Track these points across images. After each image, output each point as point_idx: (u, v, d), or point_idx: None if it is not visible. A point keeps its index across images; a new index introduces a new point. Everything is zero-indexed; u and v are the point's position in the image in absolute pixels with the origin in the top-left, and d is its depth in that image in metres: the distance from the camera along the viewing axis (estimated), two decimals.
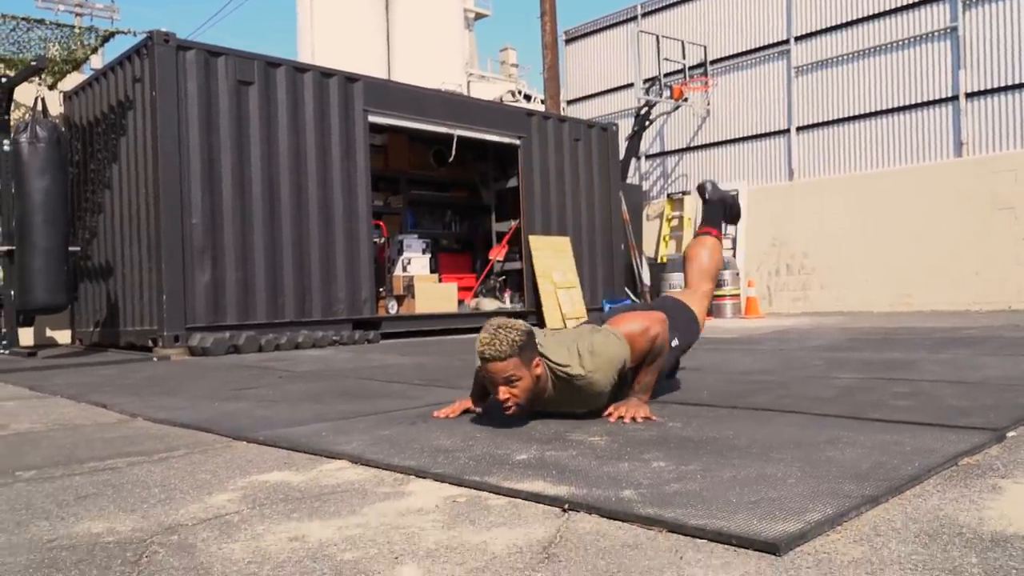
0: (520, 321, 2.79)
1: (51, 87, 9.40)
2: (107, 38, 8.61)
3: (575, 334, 2.95)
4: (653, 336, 2.93)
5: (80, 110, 9.36)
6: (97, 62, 16.84)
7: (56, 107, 9.62)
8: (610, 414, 2.91)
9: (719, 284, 12.50)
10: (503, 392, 2.68)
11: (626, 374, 2.95)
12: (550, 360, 2.81)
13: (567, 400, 2.90)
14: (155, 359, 7.21)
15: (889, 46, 12.30)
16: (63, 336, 10.00)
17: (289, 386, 4.67)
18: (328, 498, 1.99)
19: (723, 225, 4.03)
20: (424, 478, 2.16)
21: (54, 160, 7.54)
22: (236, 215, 8.02)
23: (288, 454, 2.59)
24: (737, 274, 12.80)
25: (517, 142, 11.14)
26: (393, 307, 10.23)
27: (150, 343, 7.76)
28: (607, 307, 12.22)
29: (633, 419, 2.84)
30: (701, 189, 4.05)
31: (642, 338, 2.91)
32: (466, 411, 3.15)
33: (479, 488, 2.01)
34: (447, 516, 1.78)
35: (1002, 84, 11.15)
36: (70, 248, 7.80)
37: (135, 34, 8.11)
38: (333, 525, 1.74)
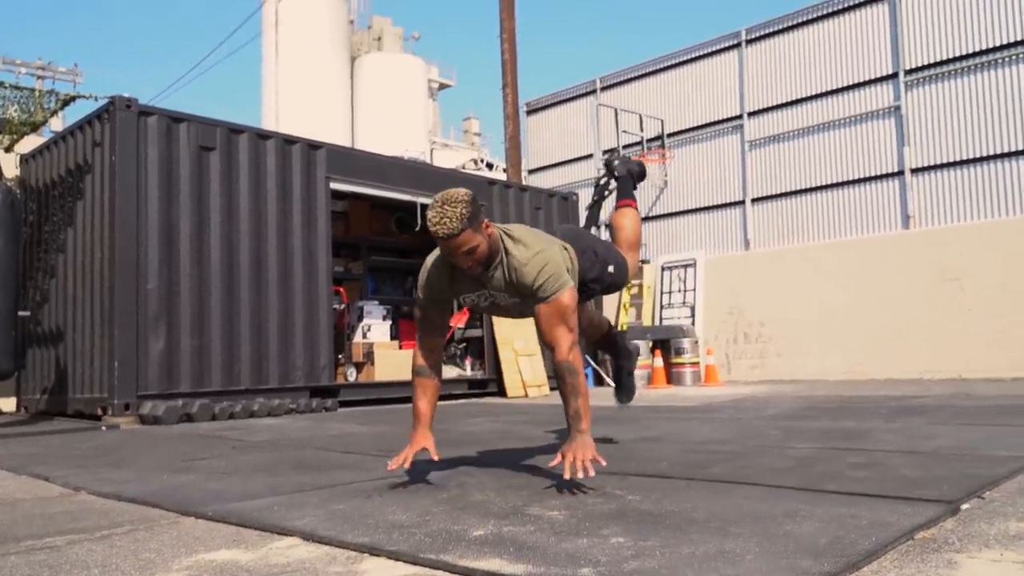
0: (462, 189, 2.87)
1: (7, 149, 9.30)
2: (67, 102, 8.59)
3: (538, 239, 3.10)
4: (574, 338, 3.02)
5: (37, 173, 9.26)
6: (57, 125, 16.77)
7: (12, 169, 9.50)
8: (559, 462, 2.84)
9: (679, 352, 12.63)
10: (463, 260, 2.86)
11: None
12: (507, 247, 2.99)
13: (506, 286, 3.02)
14: (104, 428, 6.98)
15: (837, 123, 12.81)
16: (8, 404, 9.66)
17: (242, 457, 4.54)
18: None
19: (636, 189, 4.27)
20: (378, 556, 2.10)
21: (7, 223, 7.40)
22: (193, 281, 7.92)
23: (237, 530, 2.51)
24: (696, 342, 12.93)
25: None
26: (352, 374, 10.10)
27: (99, 411, 7.52)
28: None
29: (583, 466, 2.77)
30: (609, 166, 4.31)
31: (564, 330, 2.99)
32: (417, 453, 3.12)
33: (434, 567, 1.96)
34: None
35: (945, 161, 11.64)
36: (19, 313, 7.60)
37: (96, 99, 8.09)
38: None
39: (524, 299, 3.07)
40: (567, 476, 2.78)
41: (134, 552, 2.25)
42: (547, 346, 3.05)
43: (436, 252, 3.12)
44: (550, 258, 2.98)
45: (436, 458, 3.10)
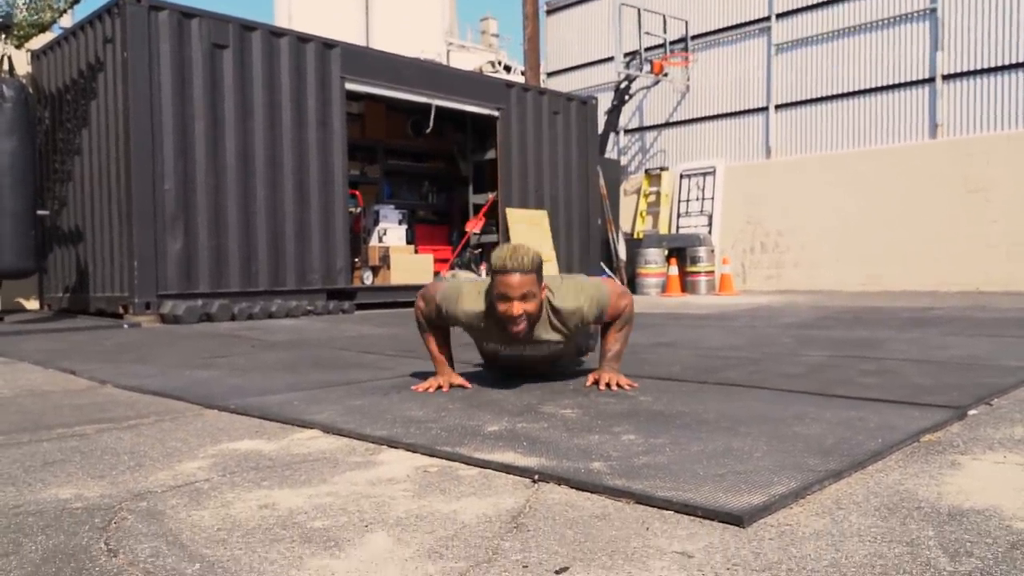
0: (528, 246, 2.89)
1: (18, 46, 9.15)
2: (76, 1, 8.37)
3: (561, 278, 3.10)
4: (629, 300, 3.13)
5: (49, 71, 9.14)
6: (67, 21, 16.43)
7: (23, 66, 9.38)
8: (595, 381, 3.07)
9: (695, 260, 12.61)
10: (518, 307, 2.75)
11: (590, 328, 3.18)
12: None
13: (543, 332, 2.99)
14: (126, 326, 7.13)
15: (868, 26, 12.33)
16: (31, 302, 9.85)
17: (262, 355, 4.64)
18: (299, 467, 1.99)
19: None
20: (396, 448, 2.17)
21: (22, 120, 7.36)
22: (209, 182, 7.91)
23: (260, 423, 2.59)
24: (712, 251, 12.89)
25: (496, 114, 11.06)
26: (368, 278, 10.19)
27: (121, 310, 7.67)
28: None
29: (617, 385, 3.01)
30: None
31: (622, 298, 3.09)
32: (449, 386, 3.10)
33: (450, 459, 2.02)
34: (418, 486, 1.79)
35: (978, 67, 11.24)
36: (39, 212, 7.66)
37: None
38: (304, 493, 1.74)
39: (572, 335, 3.07)
40: (602, 389, 3.02)
41: (160, 440, 2.33)
42: (616, 318, 3.09)
43: (470, 296, 2.99)
44: (578, 286, 3.00)
45: (468, 386, 3.11)
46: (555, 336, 3.01)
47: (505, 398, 2.86)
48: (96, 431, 2.49)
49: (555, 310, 2.95)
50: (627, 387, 3.01)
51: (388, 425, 2.41)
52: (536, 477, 1.82)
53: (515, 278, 2.74)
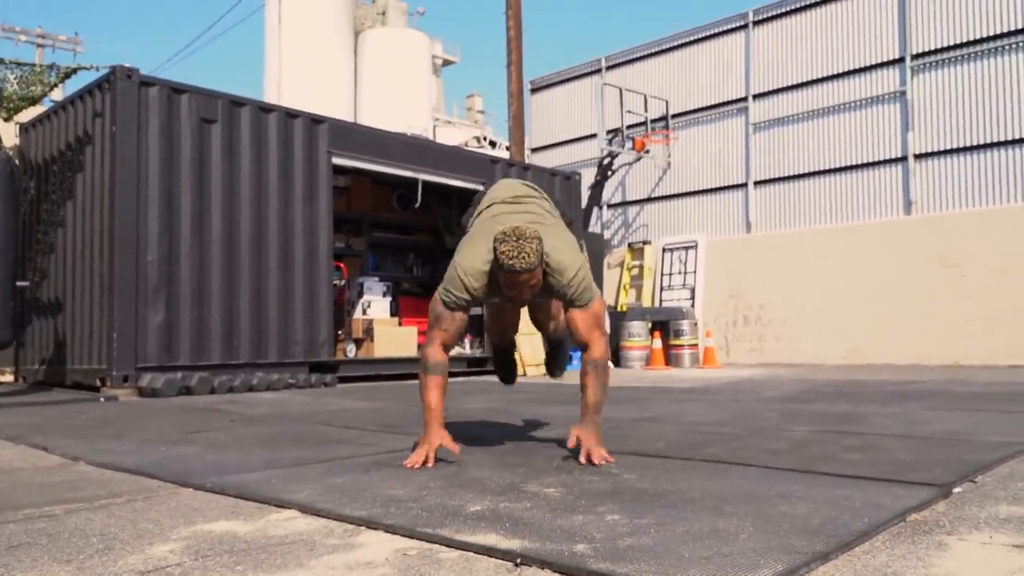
0: (530, 228, 2.93)
1: (7, 119, 9.24)
2: (68, 75, 8.51)
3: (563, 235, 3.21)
4: (606, 333, 3.21)
5: (36, 143, 9.22)
6: (58, 95, 16.65)
7: (11, 138, 9.45)
8: (577, 445, 3.08)
9: (678, 334, 12.64)
10: (526, 292, 2.98)
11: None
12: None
13: (541, 293, 3.12)
14: (102, 399, 7.01)
15: (842, 107, 12.74)
16: (6, 375, 9.69)
17: (241, 430, 4.57)
18: (275, 550, 1.93)
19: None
20: (375, 529, 2.11)
21: (6, 192, 7.37)
22: (193, 254, 7.91)
23: (236, 502, 2.52)
24: (695, 324, 12.95)
25: (481, 188, 11.22)
26: (351, 350, 10.12)
27: (98, 383, 7.55)
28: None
29: (601, 459, 2.99)
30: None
31: (600, 323, 3.17)
32: (437, 451, 3.06)
33: (431, 540, 1.97)
34: (397, 570, 1.74)
35: (948, 147, 11.59)
36: (18, 283, 7.60)
37: (97, 69, 8.02)
38: None
39: (552, 298, 3.23)
40: (583, 462, 3.00)
41: (132, 522, 2.27)
42: (581, 345, 3.15)
43: (476, 258, 3.05)
44: (582, 269, 3.11)
45: (456, 451, 3.04)
46: (539, 299, 3.21)
47: (488, 476, 2.81)
48: (65, 512, 2.42)
49: (550, 283, 3.05)
50: (603, 462, 2.97)
51: (368, 505, 2.36)
52: (519, 560, 1.77)
53: (525, 276, 2.88)
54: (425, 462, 3.00)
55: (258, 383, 8.01)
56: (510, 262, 2.83)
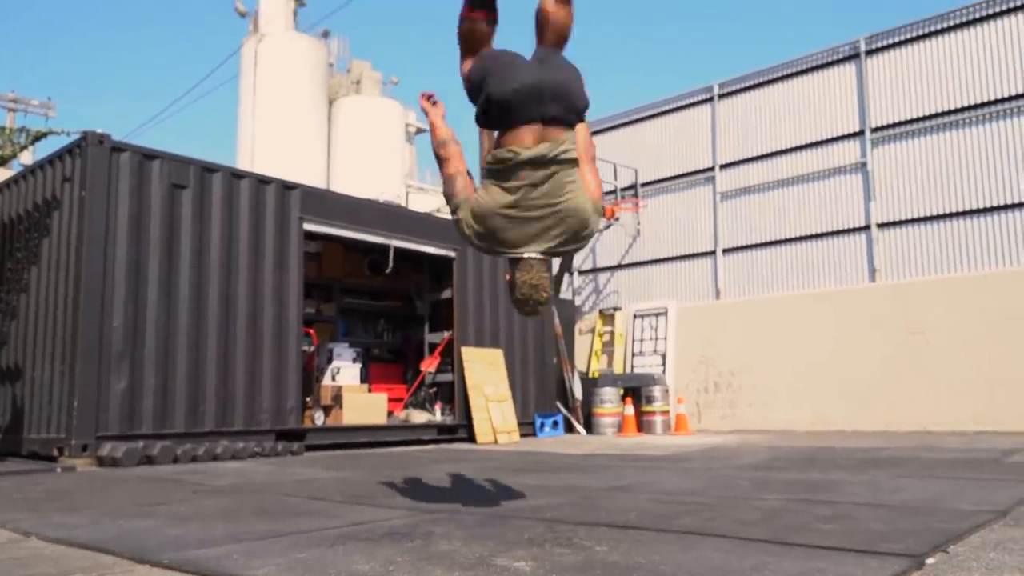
0: (542, 260, 3.23)
1: None
2: (38, 138, 8.51)
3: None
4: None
5: (3, 207, 9.13)
6: (28, 159, 16.59)
7: None
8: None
9: (650, 400, 12.62)
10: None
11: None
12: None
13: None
14: (59, 470, 6.77)
15: (806, 177, 13.09)
16: None
17: (203, 501, 4.43)
18: None
19: None
20: None
21: None
22: (160, 319, 7.80)
23: None
24: (667, 390, 12.95)
25: (452, 254, 11.27)
26: (320, 418, 9.95)
27: (55, 452, 7.31)
28: (539, 422, 12.14)
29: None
30: None
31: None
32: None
33: None
34: None
35: (910, 216, 11.91)
36: None
37: (68, 133, 8.01)
38: None
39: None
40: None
41: None
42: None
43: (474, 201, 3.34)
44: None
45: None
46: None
47: (457, 550, 2.75)
48: None
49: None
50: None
51: None
52: None
53: (538, 309, 3.33)
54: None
55: (223, 452, 7.82)
56: (526, 293, 3.25)
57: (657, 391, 12.74)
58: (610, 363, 14.68)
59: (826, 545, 2.70)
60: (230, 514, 3.86)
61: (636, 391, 12.90)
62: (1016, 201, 11.00)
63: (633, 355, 14.56)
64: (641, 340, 14.54)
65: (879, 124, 12.35)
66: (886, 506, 3.68)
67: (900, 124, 12.14)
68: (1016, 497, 3.87)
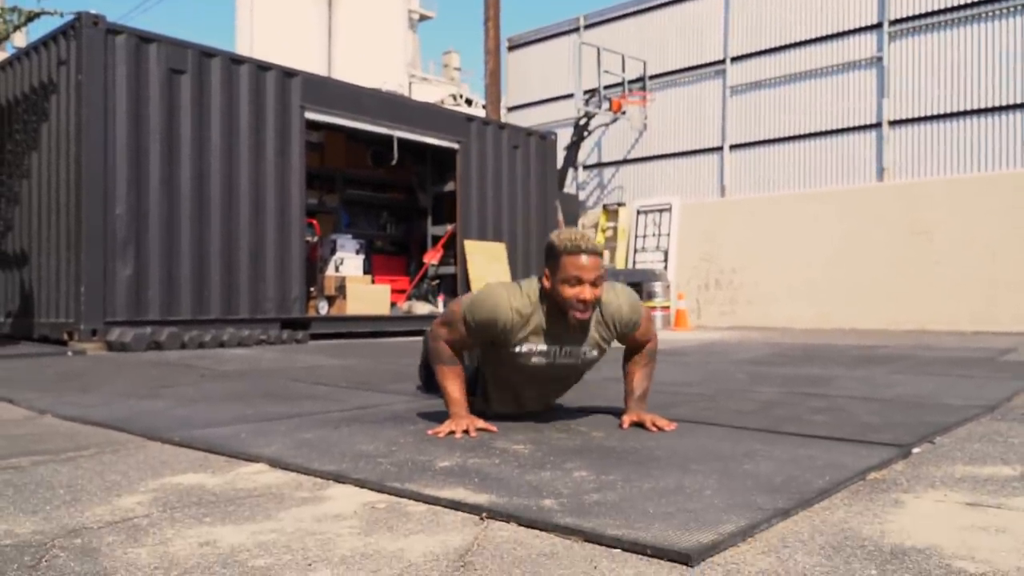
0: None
1: None
2: (31, 18, 8.24)
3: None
4: (655, 331, 3.21)
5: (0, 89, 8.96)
6: (21, 41, 16.14)
7: None
8: (635, 423, 2.95)
9: (651, 296, 12.72)
10: (588, 292, 2.66)
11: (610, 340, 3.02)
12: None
13: (601, 332, 2.92)
14: (70, 353, 6.93)
15: (819, 72, 12.74)
16: None
17: (211, 385, 4.55)
18: (243, 502, 1.94)
19: None
20: (344, 483, 2.13)
21: None
22: (163, 207, 7.78)
23: (204, 456, 2.52)
24: (668, 286, 13.04)
25: (456, 146, 11.12)
26: (324, 308, 10.07)
27: (66, 337, 7.45)
28: None
29: (655, 426, 2.89)
30: None
31: (651, 323, 3.15)
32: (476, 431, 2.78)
33: (399, 495, 1.99)
34: (365, 522, 1.76)
35: (923, 114, 11.66)
36: None
37: (62, 15, 7.79)
38: (247, 530, 1.70)
39: (607, 342, 3.01)
40: (653, 430, 2.88)
41: (100, 474, 2.26)
42: (642, 344, 3.12)
43: (512, 292, 2.81)
44: (623, 289, 3.02)
45: (495, 430, 2.82)
46: (595, 336, 2.90)
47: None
48: (32, 463, 2.40)
49: (604, 304, 2.85)
50: (667, 427, 2.88)
51: (337, 460, 2.37)
52: (485, 515, 1.80)
53: (590, 259, 2.64)
54: (466, 431, 2.76)
55: (229, 339, 7.97)
56: (576, 242, 2.65)
57: (658, 287, 12.83)
58: (612, 259, 14.72)
59: (818, 435, 2.78)
60: (237, 397, 3.96)
61: (637, 286, 12.98)
62: None
63: (636, 251, 14.59)
64: (644, 236, 14.54)
65: (898, 16, 11.91)
66: (879, 400, 3.77)
67: (920, 16, 11.72)
68: (1006, 393, 3.95)
